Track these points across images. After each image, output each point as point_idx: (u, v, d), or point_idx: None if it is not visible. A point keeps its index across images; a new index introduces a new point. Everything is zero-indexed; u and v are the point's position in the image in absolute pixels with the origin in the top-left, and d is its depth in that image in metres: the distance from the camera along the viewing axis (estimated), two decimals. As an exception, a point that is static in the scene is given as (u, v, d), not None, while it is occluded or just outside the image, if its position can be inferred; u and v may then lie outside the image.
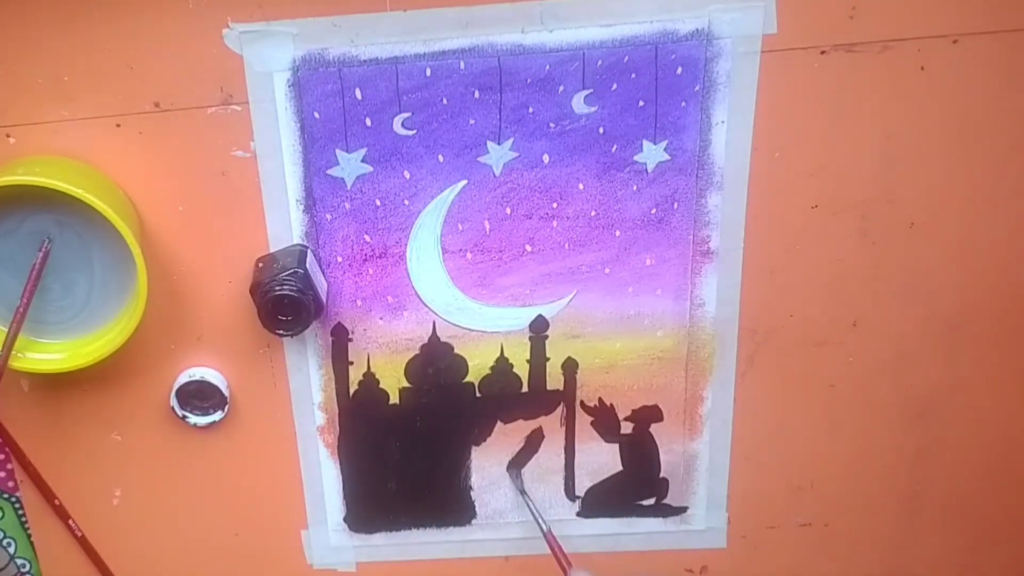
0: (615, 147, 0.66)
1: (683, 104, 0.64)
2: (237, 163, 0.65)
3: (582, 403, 0.74)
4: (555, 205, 0.67)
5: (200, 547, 0.78)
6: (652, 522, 0.78)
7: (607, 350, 0.72)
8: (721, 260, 0.69)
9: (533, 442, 0.75)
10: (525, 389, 0.73)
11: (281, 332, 0.66)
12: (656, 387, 0.73)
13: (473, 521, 0.78)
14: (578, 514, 0.78)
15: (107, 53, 0.62)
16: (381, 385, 0.73)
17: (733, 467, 0.76)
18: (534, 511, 0.73)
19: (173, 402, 0.71)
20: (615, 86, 0.64)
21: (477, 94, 0.64)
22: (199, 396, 0.71)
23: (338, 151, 0.65)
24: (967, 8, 0.62)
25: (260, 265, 0.67)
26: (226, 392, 0.71)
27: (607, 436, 0.75)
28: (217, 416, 0.71)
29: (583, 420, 0.74)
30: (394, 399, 0.73)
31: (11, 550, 0.79)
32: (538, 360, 0.72)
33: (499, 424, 0.74)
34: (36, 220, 0.63)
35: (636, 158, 0.66)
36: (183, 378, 0.71)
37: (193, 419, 0.71)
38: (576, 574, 0.66)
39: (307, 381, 0.72)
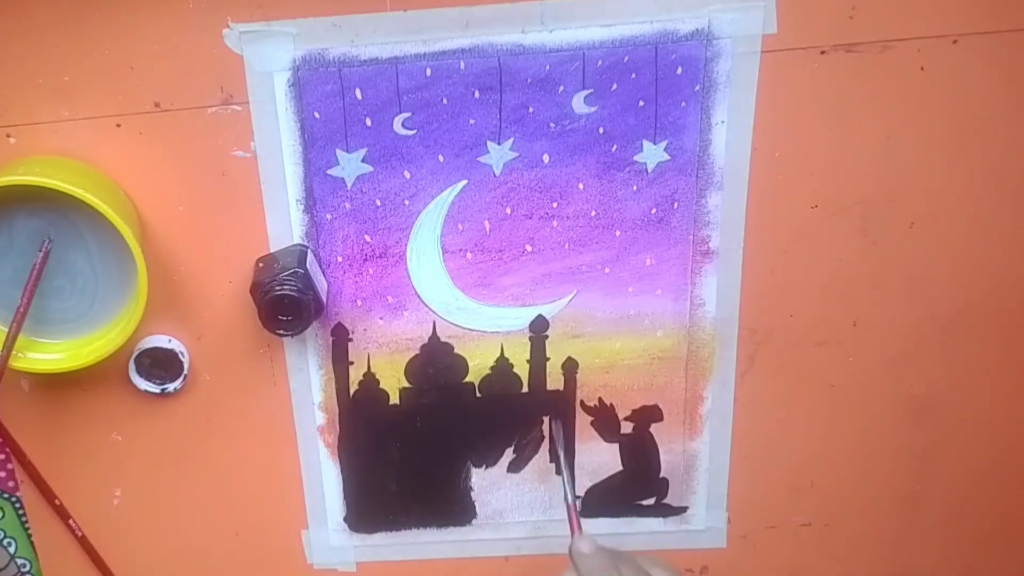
0: (615, 147, 0.66)
1: (683, 104, 0.64)
2: (237, 163, 0.65)
3: (582, 403, 0.74)
4: (555, 205, 0.67)
5: (200, 547, 0.78)
6: (652, 522, 0.78)
7: (607, 350, 0.72)
8: (721, 260, 0.69)
9: (533, 442, 0.75)
10: (525, 389, 0.73)
11: (281, 332, 0.66)
12: (656, 387, 0.73)
13: (473, 521, 0.78)
14: (578, 514, 0.78)
15: (107, 53, 0.62)
16: (381, 385, 0.73)
17: (733, 467, 0.76)
18: (566, 477, 0.71)
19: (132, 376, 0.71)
20: (615, 86, 0.64)
21: (477, 94, 0.64)
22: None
23: (338, 151, 0.65)
24: (967, 8, 0.62)
25: (260, 265, 0.67)
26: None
27: (607, 436, 0.75)
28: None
29: (583, 420, 0.74)
30: (394, 399, 0.73)
31: (11, 550, 0.79)
32: (538, 360, 0.72)
33: (499, 424, 0.74)
34: (36, 220, 0.63)
35: (636, 158, 0.66)
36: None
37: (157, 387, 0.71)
38: (579, 540, 0.63)
39: (307, 381, 0.72)
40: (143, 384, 0.70)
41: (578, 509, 0.69)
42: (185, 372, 0.70)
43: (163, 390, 0.71)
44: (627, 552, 0.63)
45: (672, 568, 0.63)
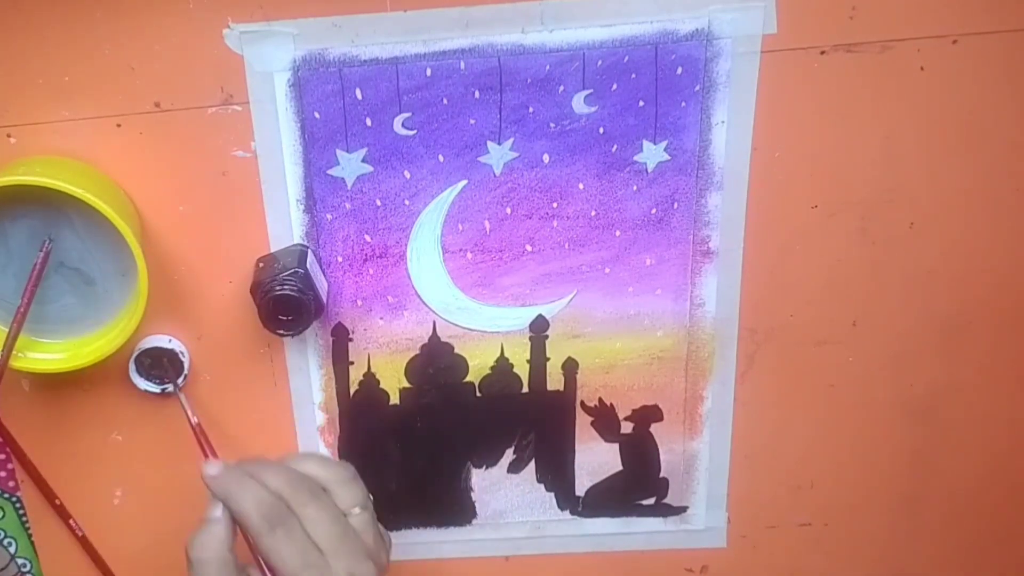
0: (615, 147, 0.66)
1: (683, 104, 0.64)
2: (237, 163, 0.65)
3: (582, 403, 0.74)
4: (555, 205, 0.67)
5: (200, 547, 0.78)
6: (652, 522, 0.78)
7: (607, 350, 0.72)
8: (721, 260, 0.69)
9: (533, 443, 0.75)
10: (525, 389, 0.73)
11: (281, 332, 0.66)
12: (656, 387, 0.73)
13: (473, 521, 0.78)
14: (578, 514, 0.78)
15: (107, 53, 0.62)
16: (381, 385, 0.73)
17: (733, 467, 0.76)
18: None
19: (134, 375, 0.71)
20: (615, 86, 0.64)
21: (477, 94, 0.64)
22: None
23: (338, 151, 0.65)
24: (967, 8, 0.62)
25: (260, 265, 0.67)
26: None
27: (607, 436, 0.75)
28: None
29: (583, 420, 0.74)
30: (394, 399, 0.73)
31: (12, 550, 0.79)
32: (538, 360, 0.72)
33: (499, 424, 0.74)
34: (36, 220, 0.63)
35: (636, 158, 0.66)
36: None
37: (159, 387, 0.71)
38: (209, 466, 0.60)
39: (307, 381, 0.72)
40: (143, 384, 0.70)
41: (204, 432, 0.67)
42: (185, 372, 0.70)
43: (163, 390, 0.71)
44: (270, 461, 0.61)
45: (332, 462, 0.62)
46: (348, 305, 0.70)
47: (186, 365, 0.70)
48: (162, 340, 0.70)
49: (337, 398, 0.73)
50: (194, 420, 0.68)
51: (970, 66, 0.64)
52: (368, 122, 0.65)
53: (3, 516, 0.78)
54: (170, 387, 0.70)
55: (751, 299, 0.70)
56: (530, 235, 0.68)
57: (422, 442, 0.75)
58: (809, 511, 0.78)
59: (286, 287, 0.64)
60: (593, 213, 0.68)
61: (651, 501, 0.78)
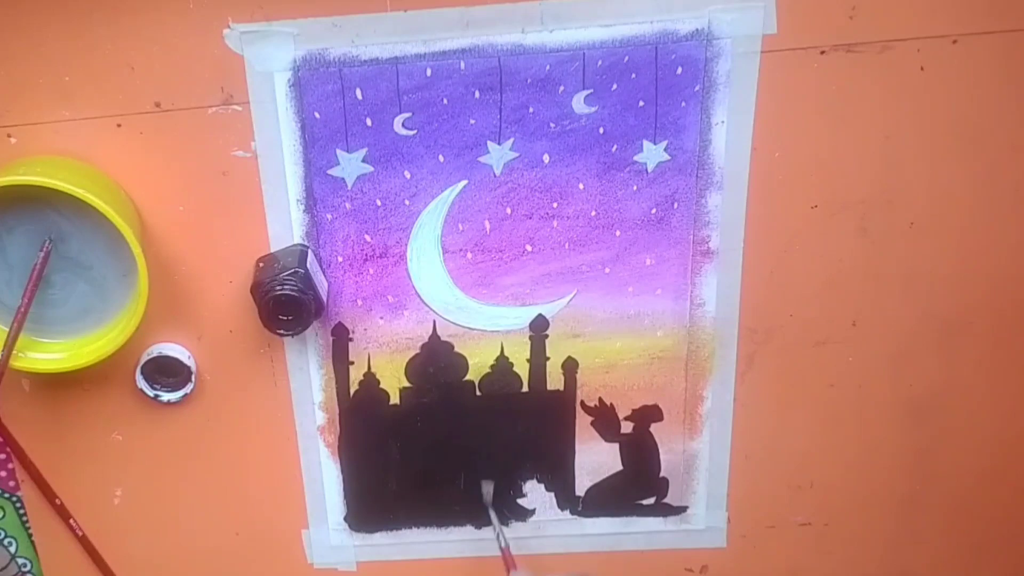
0: (615, 147, 0.66)
1: (683, 104, 0.64)
2: (238, 163, 0.65)
3: (582, 403, 0.74)
4: (555, 205, 0.67)
5: (200, 547, 0.78)
6: (652, 522, 0.78)
7: (607, 350, 0.72)
8: (721, 260, 0.69)
9: (533, 442, 0.75)
10: (525, 388, 0.73)
11: (282, 332, 0.66)
12: (656, 387, 0.73)
13: (473, 521, 0.78)
14: (578, 514, 0.78)
15: (108, 53, 0.62)
16: (382, 385, 0.73)
17: (733, 467, 0.76)
18: (496, 525, 0.74)
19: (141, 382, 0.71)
20: (615, 86, 0.64)
21: (477, 94, 0.64)
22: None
23: (339, 151, 0.66)
24: (967, 8, 0.62)
25: (261, 265, 0.67)
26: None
27: (607, 436, 0.75)
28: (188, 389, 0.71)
29: (583, 420, 0.74)
30: (394, 399, 0.73)
31: (12, 549, 0.79)
32: (538, 359, 0.72)
33: (499, 423, 0.74)
34: (37, 220, 0.63)
35: (636, 158, 0.66)
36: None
37: (166, 396, 0.71)
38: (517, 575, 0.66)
39: (308, 381, 0.72)
40: (150, 391, 0.70)
41: (511, 552, 0.72)
42: (193, 378, 0.70)
43: (168, 400, 0.71)
44: None
45: None
46: (348, 305, 0.70)
47: (193, 370, 0.70)
48: (173, 349, 0.70)
49: (337, 398, 0.73)
50: (504, 544, 0.72)
51: (970, 66, 0.64)
52: (368, 122, 0.65)
53: (3, 516, 0.78)
54: (177, 395, 0.71)
55: (751, 299, 0.70)
56: (530, 235, 0.68)
57: (422, 442, 0.75)
58: (809, 511, 0.78)
59: (286, 287, 0.64)
60: (593, 213, 0.68)
61: (651, 501, 0.78)
